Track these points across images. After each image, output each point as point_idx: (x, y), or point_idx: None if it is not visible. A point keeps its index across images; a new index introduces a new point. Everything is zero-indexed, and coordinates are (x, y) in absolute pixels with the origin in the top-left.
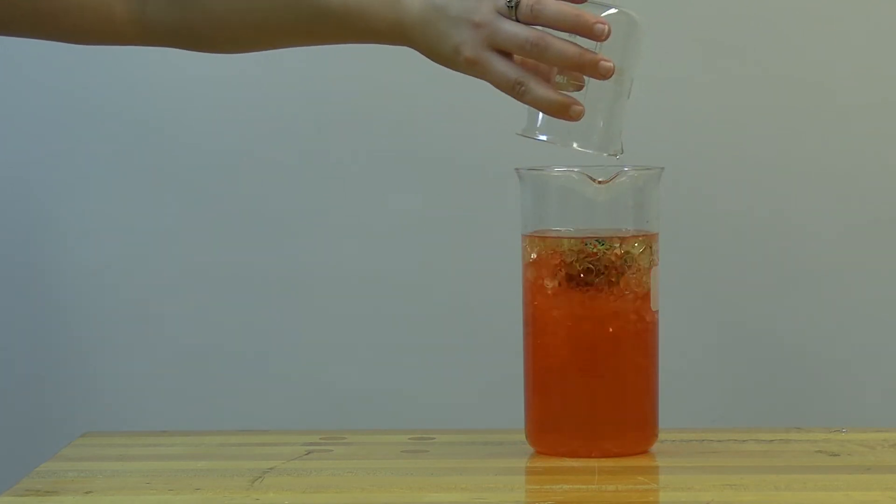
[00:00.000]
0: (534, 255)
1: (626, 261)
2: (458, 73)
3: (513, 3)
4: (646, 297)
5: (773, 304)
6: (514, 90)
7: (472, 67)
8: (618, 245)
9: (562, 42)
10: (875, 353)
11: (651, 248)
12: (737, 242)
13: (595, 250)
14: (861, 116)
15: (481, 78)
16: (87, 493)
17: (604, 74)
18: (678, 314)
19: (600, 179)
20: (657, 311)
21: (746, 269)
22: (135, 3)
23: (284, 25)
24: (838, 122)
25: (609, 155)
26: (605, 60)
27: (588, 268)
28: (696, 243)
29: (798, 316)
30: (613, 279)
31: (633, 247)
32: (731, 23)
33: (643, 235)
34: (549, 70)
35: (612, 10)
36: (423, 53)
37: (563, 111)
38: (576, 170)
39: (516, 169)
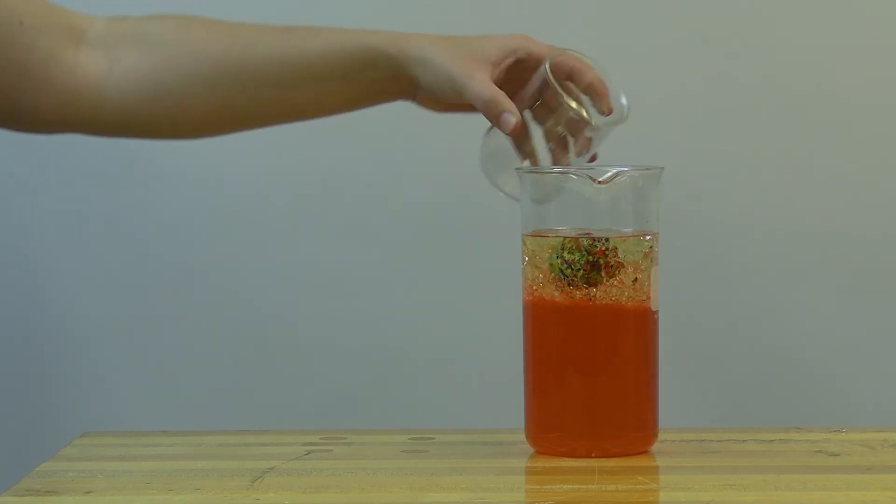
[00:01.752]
0: (533, 255)
1: (625, 261)
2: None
3: None
4: (646, 297)
5: (772, 303)
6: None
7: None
8: (617, 245)
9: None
10: (875, 353)
11: (651, 248)
12: (737, 242)
13: (595, 250)
14: (862, 117)
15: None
16: (87, 493)
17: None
18: (678, 314)
19: (600, 179)
20: (657, 311)
21: (746, 269)
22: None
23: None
24: (839, 122)
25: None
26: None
27: (588, 268)
28: (696, 243)
29: (798, 316)
30: (613, 279)
31: (633, 247)
32: (731, 23)
33: (643, 235)
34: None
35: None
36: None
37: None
38: (575, 170)
39: (516, 169)
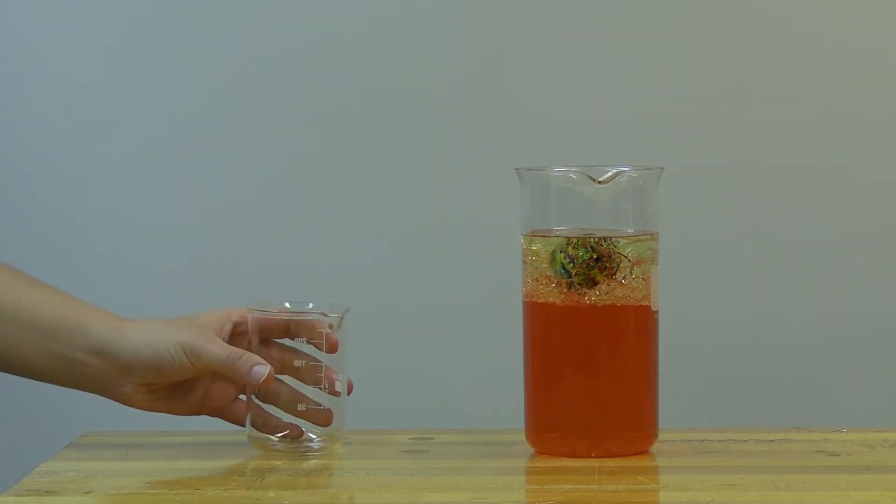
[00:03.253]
0: (533, 255)
1: (625, 260)
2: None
3: None
4: (646, 297)
5: (772, 303)
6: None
7: None
8: (617, 245)
9: None
10: (875, 353)
11: (651, 248)
12: (737, 242)
13: (595, 250)
14: (862, 117)
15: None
16: (87, 493)
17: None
18: (678, 314)
19: (600, 179)
20: (657, 311)
21: (746, 269)
22: None
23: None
24: (838, 122)
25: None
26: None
27: (588, 267)
28: (696, 243)
29: (798, 316)
30: (613, 279)
31: (633, 246)
32: (731, 23)
33: (643, 235)
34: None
35: None
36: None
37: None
38: (575, 170)
39: (516, 169)
